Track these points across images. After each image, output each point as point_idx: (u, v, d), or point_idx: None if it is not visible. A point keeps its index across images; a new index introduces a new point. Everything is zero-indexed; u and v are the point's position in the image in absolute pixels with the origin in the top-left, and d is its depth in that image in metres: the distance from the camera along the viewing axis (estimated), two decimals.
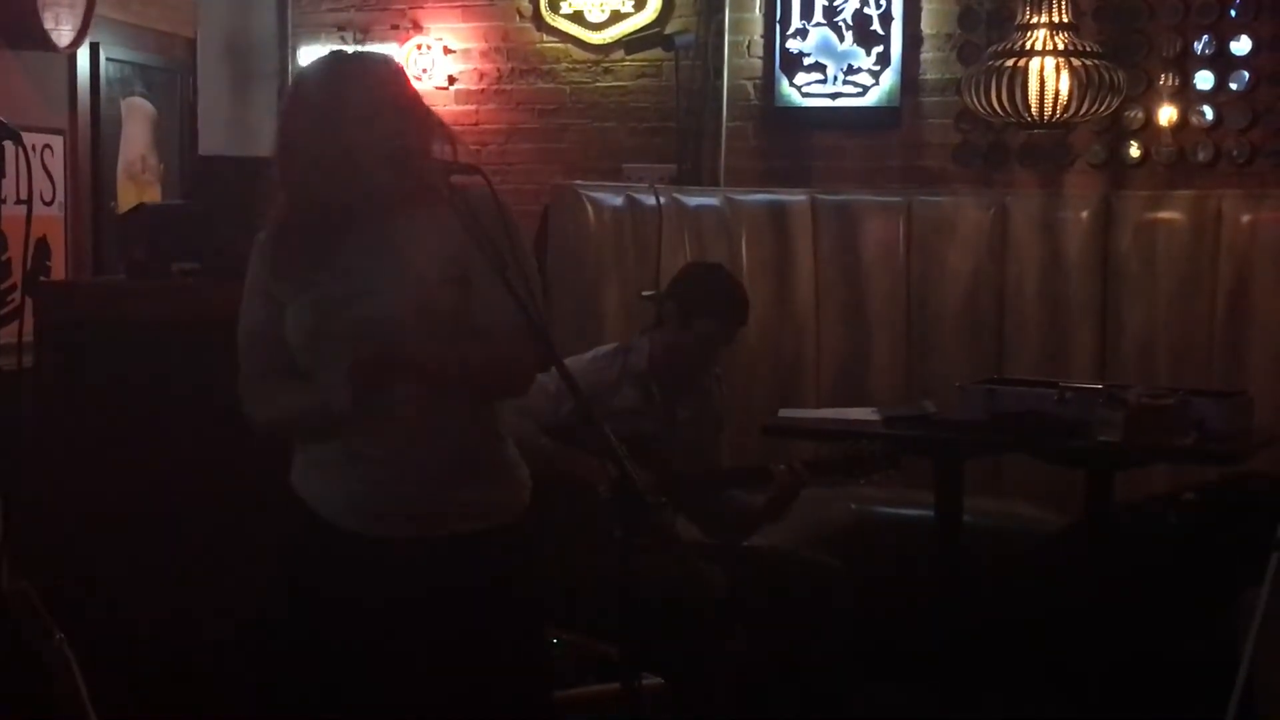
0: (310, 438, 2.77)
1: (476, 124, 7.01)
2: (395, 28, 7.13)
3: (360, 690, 2.71)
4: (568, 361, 2.76)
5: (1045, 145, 6.18)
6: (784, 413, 5.44)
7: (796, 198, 6.17)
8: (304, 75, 2.83)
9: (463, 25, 7.07)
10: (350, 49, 2.88)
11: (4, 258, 5.48)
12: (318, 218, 2.72)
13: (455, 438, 2.73)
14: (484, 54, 7.05)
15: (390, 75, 2.77)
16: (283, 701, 2.79)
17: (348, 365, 2.63)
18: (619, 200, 5.69)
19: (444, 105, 7.00)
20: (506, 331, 2.68)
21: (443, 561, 2.71)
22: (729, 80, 6.65)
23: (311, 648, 2.74)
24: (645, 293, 4.83)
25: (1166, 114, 6.04)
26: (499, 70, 7.03)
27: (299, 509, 2.78)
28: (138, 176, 6.36)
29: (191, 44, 6.71)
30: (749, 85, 6.65)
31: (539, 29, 6.96)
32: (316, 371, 2.73)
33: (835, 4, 6.46)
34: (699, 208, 5.98)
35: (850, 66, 6.46)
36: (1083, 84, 5.75)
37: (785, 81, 6.56)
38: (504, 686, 2.75)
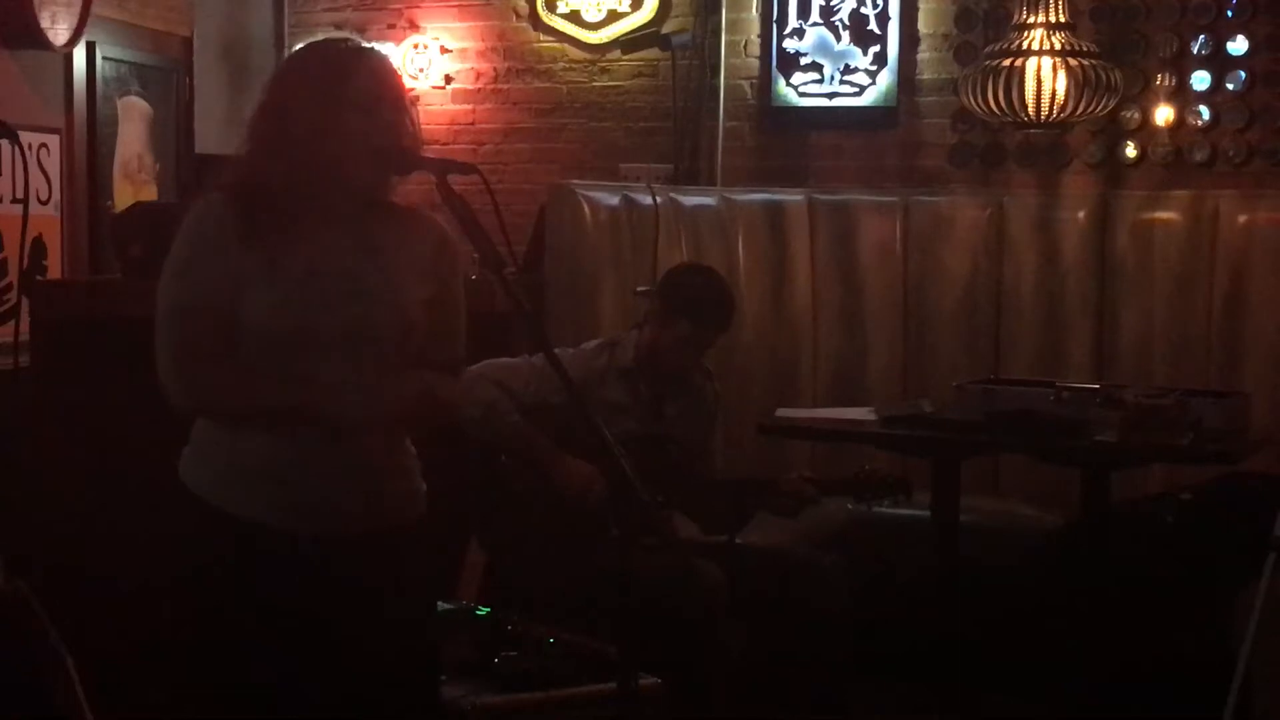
0: (244, 423, 2.72)
1: (473, 123, 7.01)
2: (392, 27, 7.13)
3: (275, 682, 2.72)
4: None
5: (1042, 145, 6.18)
6: (781, 412, 5.44)
7: (793, 197, 6.17)
8: (309, 52, 2.81)
9: (459, 24, 7.07)
10: (356, 39, 2.88)
11: (0, 257, 5.48)
12: (287, 193, 2.69)
13: (383, 437, 2.76)
14: (480, 53, 7.05)
15: (391, 72, 2.80)
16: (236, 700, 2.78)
17: (343, 368, 2.65)
18: (616, 200, 5.69)
19: (440, 105, 7.00)
20: (448, 366, 2.80)
21: (353, 558, 2.73)
22: (726, 80, 6.65)
23: (229, 643, 2.74)
24: (640, 288, 4.84)
25: (1163, 114, 6.04)
26: (495, 70, 7.03)
27: (197, 504, 2.75)
28: (134, 175, 6.35)
29: (188, 43, 6.70)
30: (746, 85, 6.65)
31: (535, 28, 6.96)
32: (283, 358, 2.67)
33: (832, 4, 6.46)
34: (696, 207, 5.98)
35: (847, 66, 6.46)
36: (1080, 84, 5.75)
37: (782, 81, 6.56)
38: (401, 675, 2.80)
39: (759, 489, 4.52)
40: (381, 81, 2.73)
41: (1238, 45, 5.96)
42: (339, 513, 2.73)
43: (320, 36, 6.97)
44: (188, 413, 2.76)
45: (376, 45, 6.86)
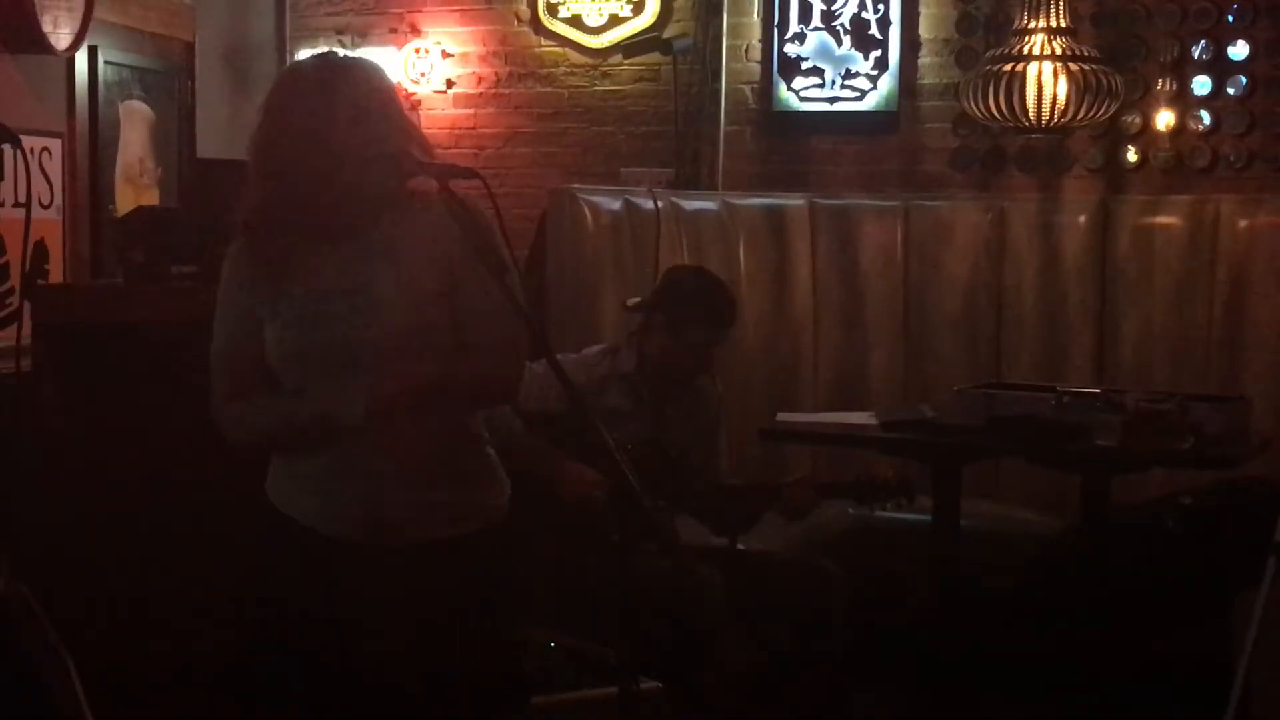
0: (296, 449, 2.75)
1: (474, 128, 7.02)
2: (393, 31, 7.13)
3: (342, 695, 2.71)
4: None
5: (1043, 150, 6.18)
6: (782, 417, 5.44)
7: (794, 202, 6.18)
8: (294, 71, 2.82)
9: (461, 29, 7.08)
10: (341, 53, 2.86)
11: (2, 261, 5.48)
12: (295, 218, 2.69)
13: (438, 443, 2.73)
14: (482, 58, 7.05)
15: (381, 82, 2.76)
16: (269, 706, 2.78)
17: (357, 382, 2.63)
18: (617, 204, 5.70)
19: (442, 109, 7.01)
20: (496, 346, 2.71)
21: (425, 566, 2.72)
22: (727, 84, 6.66)
23: (295, 653, 2.74)
24: (630, 301, 4.83)
25: (1164, 119, 6.05)
26: (497, 74, 7.04)
27: (276, 519, 2.77)
28: (136, 180, 6.35)
29: (190, 47, 6.70)
30: (747, 89, 6.66)
31: (537, 33, 6.97)
32: (303, 384, 2.71)
33: (833, 8, 6.47)
34: (697, 212, 5.98)
35: (848, 71, 6.47)
36: (1080, 89, 5.76)
37: (783, 85, 6.57)
38: (479, 687, 2.76)
39: (766, 496, 4.53)
40: (366, 90, 2.69)
41: (1238, 50, 5.97)
42: (385, 522, 2.71)
43: (321, 41, 7.06)
44: (239, 448, 2.80)
45: (378, 50, 6.93)
